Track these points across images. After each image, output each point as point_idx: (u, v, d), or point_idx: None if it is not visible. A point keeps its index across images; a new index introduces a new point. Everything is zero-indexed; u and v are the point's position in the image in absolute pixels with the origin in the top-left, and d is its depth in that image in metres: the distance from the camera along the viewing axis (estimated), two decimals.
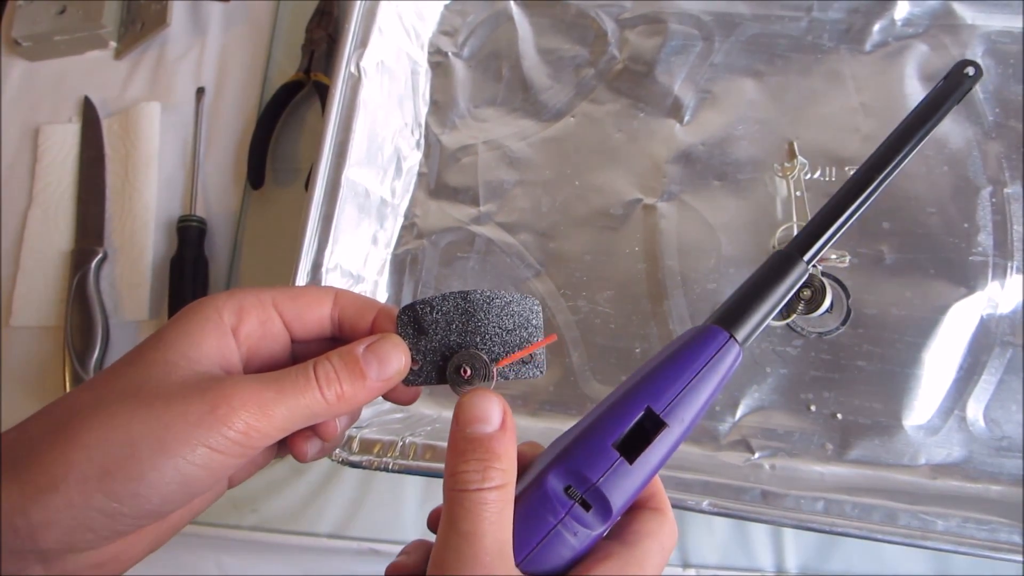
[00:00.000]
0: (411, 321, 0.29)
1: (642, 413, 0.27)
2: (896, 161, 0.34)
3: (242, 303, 0.29)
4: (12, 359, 0.57)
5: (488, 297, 0.29)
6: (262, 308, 0.29)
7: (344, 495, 0.51)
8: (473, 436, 0.27)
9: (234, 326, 0.29)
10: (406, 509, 0.51)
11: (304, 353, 0.31)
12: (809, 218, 0.49)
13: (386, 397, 0.31)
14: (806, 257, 0.32)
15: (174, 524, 0.30)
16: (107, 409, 0.25)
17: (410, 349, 0.29)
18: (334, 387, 0.27)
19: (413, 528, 0.50)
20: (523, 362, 0.30)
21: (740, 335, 0.29)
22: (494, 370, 0.29)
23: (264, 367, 0.30)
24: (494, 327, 0.29)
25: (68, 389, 0.54)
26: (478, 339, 0.29)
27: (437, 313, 0.29)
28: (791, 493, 0.41)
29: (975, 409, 0.46)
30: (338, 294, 0.31)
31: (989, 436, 0.46)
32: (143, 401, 0.25)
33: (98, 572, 0.27)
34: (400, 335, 0.29)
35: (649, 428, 0.27)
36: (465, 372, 0.29)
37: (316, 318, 0.30)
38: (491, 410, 0.28)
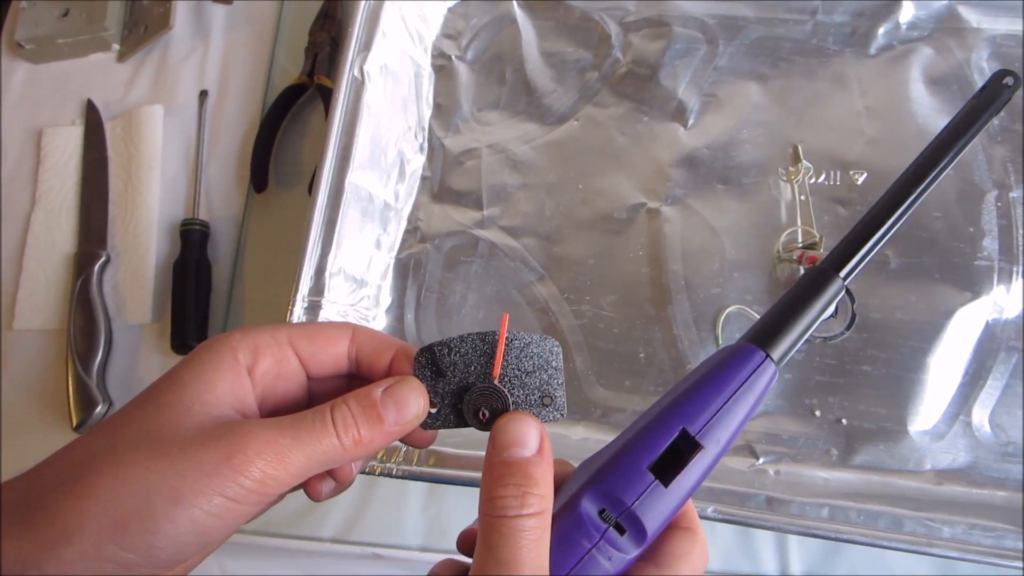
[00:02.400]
0: (429, 363, 0.29)
1: (677, 434, 0.27)
2: (933, 175, 0.33)
3: (257, 342, 0.28)
4: (15, 362, 0.57)
5: (507, 339, 0.28)
6: (278, 347, 0.29)
7: (347, 500, 0.51)
8: (511, 461, 0.27)
9: (249, 366, 0.28)
10: (409, 514, 0.51)
11: (320, 391, 0.30)
12: (814, 222, 0.50)
13: (403, 440, 0.30)
14: (842, 273, 0.31)
15: (186, 568, 0.29)
16: (121, 457, 0.25)
17: (428, 391, 0.29)
18: (351, 433, 0.27)
19: (416, 533, 0.50)
20: (543, 404, 0.29)
21: (776, 354, 0.29)
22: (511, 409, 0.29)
23: (280, 406, 0.29)
24: (513, 368, 0.29)
25: (71, 393, 0.54)
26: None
27: (455, 355, 0.29)
28: (796, 499, 0.41)
29: (980, 414, 0.46)
30: (355, 331, 0.30)
31: (995, 442, 0.46)
32: (158, 449, 0.25)
33: None
34: (418, 376, 0.29)
35: (684, 449, 0.27)
36: (483, 415, 0.29)
37: (333, 356, 0.30)
38: (529, 434, 0.27)
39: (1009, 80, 0.35)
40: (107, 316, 0.57)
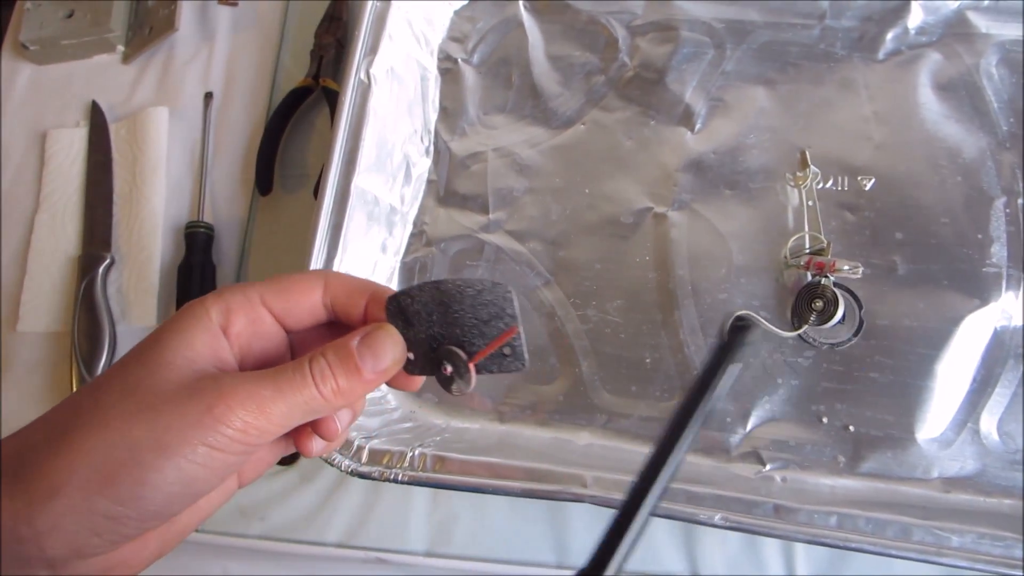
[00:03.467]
0: (398, 312, 0.29)
1: None
2: (682, 448, 0.30)
3: (229, 303, 0.29)
4: (19, 365, 0.57)
5: (459, 287, 0.28)
6: (250, 307, 0.29)
7: (352, 504, 0.51)
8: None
9: (223, 325, 0.29)
10: (414, 519, 0.50)
11: (301, 342, 0.31)
12: (821, 228, 0.49)
13: (391, 385, 0.30)
14: None
15: (181, 529, 0.30)
16: (107, 413, 0.26)
17: (404, 338, 0.29)
18: (330, 383, 0.27)
19: (420, 538, 0.50)
20: (503, 355, 0.29)
21: None
22: (471, 367, 0.29)
23: (261, 362, 0.30)
24: (469, 318, 0.28)
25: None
26: (457, 331, 0.29)
27: (417, 304, 0.29)
28: (804, 508, 0.41)
29: (989, 422, 0.46)
30: (328, 280, 0.30)
31: (1003, 450, 0.46)
32: (142, 403, 0.26)
33: None
34: (391, 323, 0.29)
35: None
36: (446, 369, 0.29)
37: (307, 308, 0.30)
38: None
39: (742, 323, 0.33)
40: (111, 319, 0.56)
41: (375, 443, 0.45)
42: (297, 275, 0.30)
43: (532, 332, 0.51)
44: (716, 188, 0.52)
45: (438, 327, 0.29)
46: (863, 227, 0.50)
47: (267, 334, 0.30)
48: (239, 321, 0.29)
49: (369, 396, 0.49)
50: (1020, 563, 0.38)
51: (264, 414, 0.26)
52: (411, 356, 0.29)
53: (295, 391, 0.27)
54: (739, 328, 0.32)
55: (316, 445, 0.30)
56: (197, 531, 0.52)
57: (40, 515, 0.24)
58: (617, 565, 0.27)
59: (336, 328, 0.31)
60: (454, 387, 0.29)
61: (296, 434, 0.30)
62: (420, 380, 0.31)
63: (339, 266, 0.48)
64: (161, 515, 0.27)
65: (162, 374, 0.26)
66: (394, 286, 0.53)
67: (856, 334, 0.48)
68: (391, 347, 0.29)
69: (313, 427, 0.30)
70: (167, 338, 0.28)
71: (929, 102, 0.52)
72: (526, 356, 0.29)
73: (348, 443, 0.45)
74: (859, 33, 0.54)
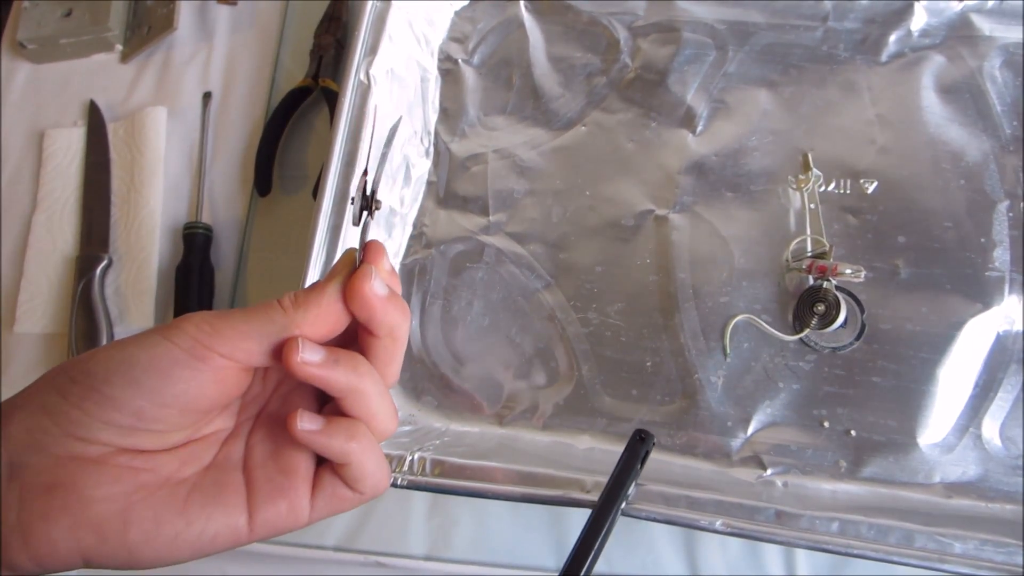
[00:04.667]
0: None
1: None
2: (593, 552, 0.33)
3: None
4: (15, 366, 0.57)
5: None
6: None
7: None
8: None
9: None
10: (413, 523, 0.50)
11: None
12: (823, 231, 0.49)
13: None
14: None
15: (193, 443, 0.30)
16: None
17: None
18: (288, 296, 0.29)
19: (420, 542, 0.50)
20: None
21: None
22: None
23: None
24: None
25: None
26: None
27: None
28: (806, 514, 0.41)
29: (991, 427, 0.46)
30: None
31: (1005, 455, 0.45)
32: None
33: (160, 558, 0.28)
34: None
35: None
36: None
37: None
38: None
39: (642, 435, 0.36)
40: (109, 320, 0.56)
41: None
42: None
43: (532, 335, 0.51)
44: (718, 191, 0.52)
45: None
46: (865, 230, 0.50)
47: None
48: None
49: None
50: (1022, 570, 0.38)
51: (222, 316, 0.28)
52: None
53: (257, 308, 0.28)
54: (639, 441, 0.34)
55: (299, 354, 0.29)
56: None
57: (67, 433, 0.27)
58: None
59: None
60: None
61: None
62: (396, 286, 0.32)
63: None
64: (163, 433, 0.28)
65: None
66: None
67: (858, 338, 0.48)
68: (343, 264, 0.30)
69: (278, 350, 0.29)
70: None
71: (932, 105, 0.52)
72: None
73: None
74: (862, 35, 0.54)
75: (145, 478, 0.28)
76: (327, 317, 0.29)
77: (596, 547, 0.31)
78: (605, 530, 0.31)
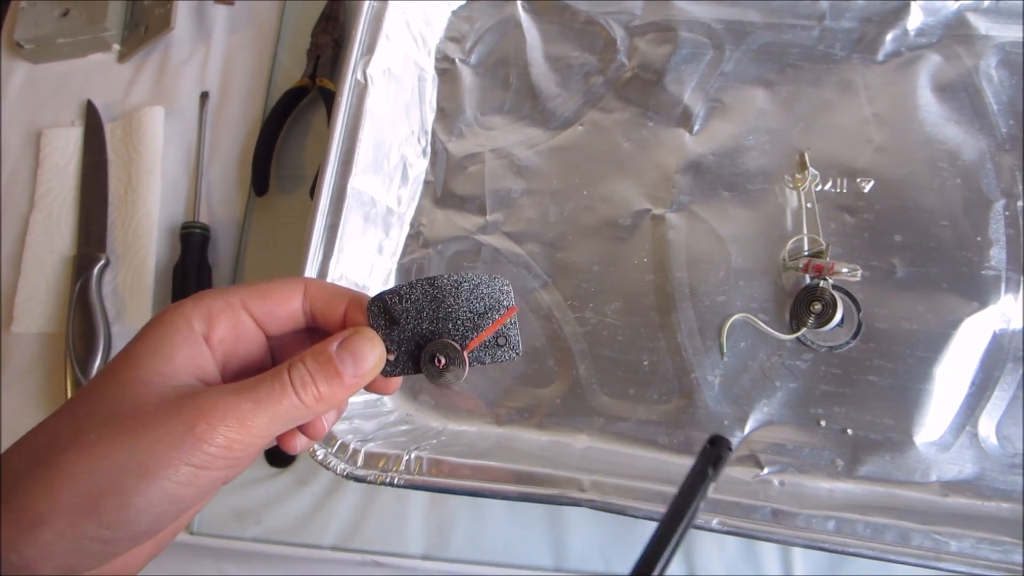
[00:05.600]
0: (382, 312, 0.29)
1: None
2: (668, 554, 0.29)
3: (211, 309, 0.28)
4: (13, 366, 0.57)
5: (456, 282, 0.29)
6: (231, 312, 0.29)
7: (348, 507, 0.51)
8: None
9: (205, 333, 0.28)
10: (410, 522, 0.50)
11: (281, 347, 0.31)
12: (820, 230, 0.49)
13: (367, 388, 0.31)
14: None
15: (176, 528, 0.30)
16: (87, 437, 0.25)
17: (384, 340, 0.29)
18: (311, 390, 0.27)
19: (417, 541, 0.50)
20: (497, 345, 0.30)
21: None
22: (466, 356, 0.29)
23: (243, 368, 0.30)
24: (464, 311, 0.29)
25: (70, 396, 0.54)
26: (450, 325, 0.29)
27: (406, 302, 0.29)
28: (803, 512, 0.41)
29: (987, 426, 0.46)
30: (308, 286, 0.30)
31: (1001, 453, 0.45)
32: (121, 425, 0.25)
33: None
34: (372, 327, 0.29)
35: None
36: (440, 362, 0.29)
37: (287, 313, 0.30)
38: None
39: (721, 443, 0.33)
40: (106, 320, 0.56)
41: (371, 446, 0.45)
42: (277, 280, 0.30)
43: (529, 334, 0.51)
44: (715, 190, 0.52)
45: (428, 323, 0.29)
46: (862, 229, 0.50)
47: (249, 339, 0.30)
48: (221, 327, 0.28)
49: (364, 399, 0.49)
50: (1019, 568, 0.38)
51: (246, 428, 0.26)
52: (391, 357, 0.30)
53: (276, 401, 0.26)
54: (716, 447, 0.32)
55: (300, 442, 0.30)
56: (194, 534, 0.52)
57: (28, 544, 0.24)
58: None
59: (315, 334, 0.31)
60: (446, 377, 0.29)
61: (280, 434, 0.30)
62: (398, 383, 0.31)
63: (335, 267, 0.48)
64: (149, 533, 0.26)
65: (141, 393, 0.26)
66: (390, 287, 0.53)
67: (855, 337, 0.48)
68: (371, 350, 0.28)
69: (299, 427, 0.30)
70: (144, 354, 0.27)
71: (929, 104, 0.52)
72: (520, 345, 0.30)
73: (344, 446, 0.45)
74: (859, 34, 0.54)
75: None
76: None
77: (664, 560, 0.30)
78: (675, 542, 0.29)
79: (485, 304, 0.29)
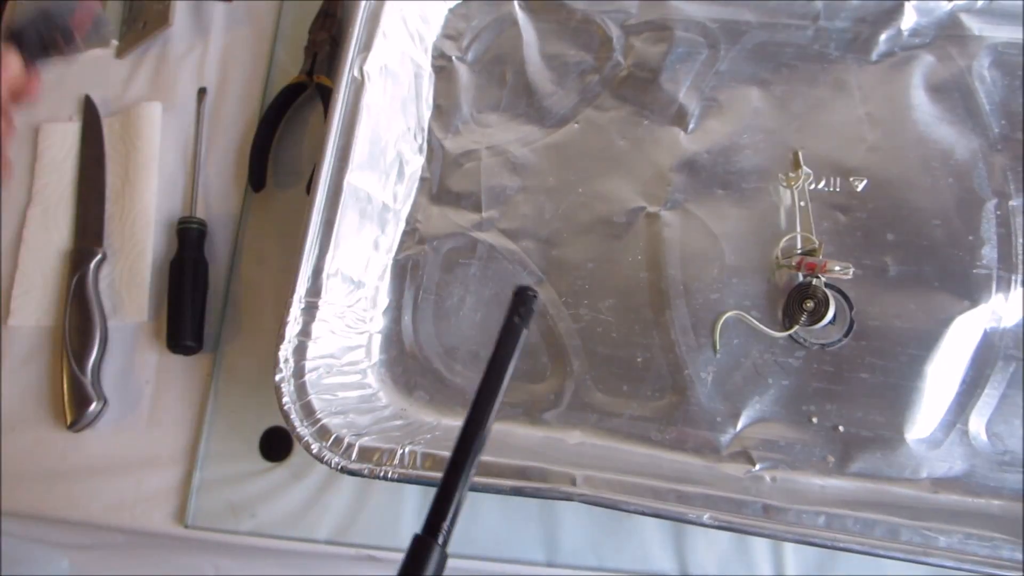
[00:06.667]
0: (9, 35, 0.46)
1: None
2: (493, 408, 0.33)
3: None
4: (10, 359, 0.57)
5: None
6: None
7: (342, 501, 0.51)
8: None
9: None
10: (404, 516, 0.50)
11: None
12: (813, 228, 0.50)
13: (15, 101, 0.43)
14: (440, 540, 0.32)
15: None
16: None
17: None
18: None
19: (411, 535, 0.50)
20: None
21: None
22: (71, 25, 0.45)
23: None
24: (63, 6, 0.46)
25: (66, 390, 0.54)
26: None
27: (21, 16, 0.46)
28: (793, 507, 0.41)
29: (977, 423, 0.46)
30: None
31: (991, 450, 0.46)
32: None
33: None
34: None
35: None
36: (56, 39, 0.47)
37: None
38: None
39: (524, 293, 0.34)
40: (102, 314, 0.56)
41: (365, 440, 0.45)
42: None
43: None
44: (709, 188, 0.52)
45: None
46: (855, 228, 0.50)
47: None
48: None
49: (359, 393, 0.49)
50: (1007, 563, 0.39)
51: None
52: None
53: None
54: (520, 297, 0.33)
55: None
56: (188, 527, 0.52)
57: None
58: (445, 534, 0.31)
59: None
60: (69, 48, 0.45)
61: None
62: (39, 83, 0.47)
63: (331, 262, 0.48)
64: None
65: None
66: (386, 285, 0.53)
67: (847, 335, 0.48)
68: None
69: None
70: None
71: (922, 104, 0.52)
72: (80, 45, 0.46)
73: (338, 441, 0.45)
74: (853, 34, 0.54)
75: None
76: None
77: (492, 410, 0.32)
78: (499, 394, 0.32)
79: None
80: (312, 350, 0.47)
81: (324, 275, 0.48)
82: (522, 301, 0.34)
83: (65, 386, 0.54)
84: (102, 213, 0.60)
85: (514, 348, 0.33)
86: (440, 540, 0.31)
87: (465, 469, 0.32)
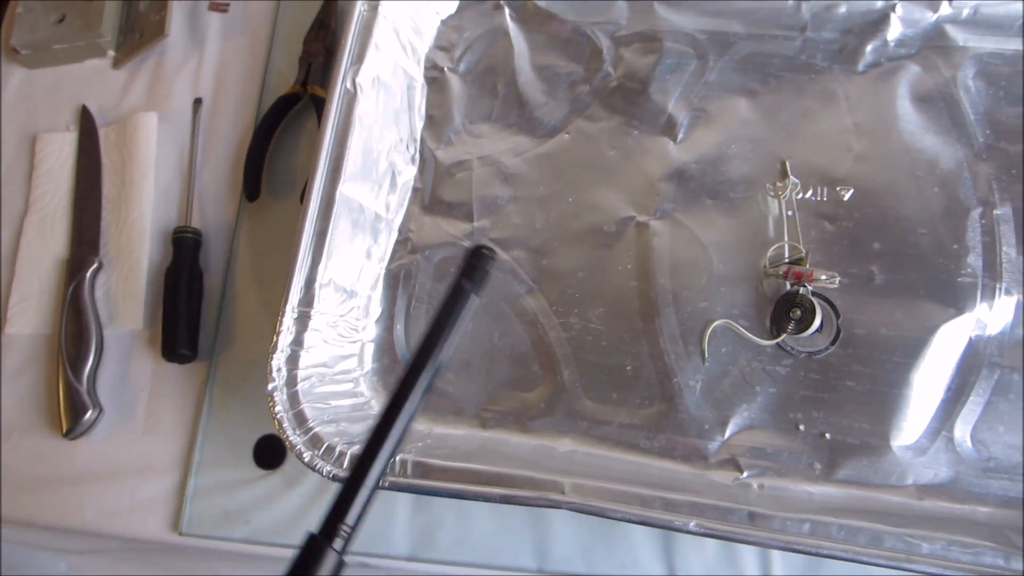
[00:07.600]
0: None
1: None
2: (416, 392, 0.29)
3: None
4: (6, 367, 0.57)
5: None
6: None
7: None
8: None
9: None
10: (397, 523, 0.51)
11: None
12: (800, 238, 0.50)
13: None
14: (337, 544, 0.28)
15: None
16: None
17: None
18: None
19: (403, 542, 0.51)
20: None
21: None
22: None
23: None
24: None
25: (62, 398, 0.55)
26: None
27: None
28: (778, 515, 0.42)
29: (963, 430, 0.47)
30: None
31: (976, 457, 0.46)
32: None
33: None
34: None
35: None
36: None
37: None
38: None
39: (486, 251, 0.31)
40: (98, 322, 0.57)
41: (357, 449, 0.46)
42: None
43: (515, 339, 0.51)
44: (698, 198, 0.53)
45: None
46: (842, 237, 0.50)
47: None
48: None
49: (352, 402, 0.50)
50: (988, 570, 0.39)
51: None
52: None
53: None
54: (477, 257, 0.29)
55: None
56: (183, 535, 0.52)
57: None
58: (357, 513, 0.27)
59: None
60: None
61: None
62: None
63: (324, 272, 0.49)
64: None
65: None
66: (379, 294, 0.54)
67: (833, 343, 0.49)
68: None
69: None
70: None
71: (908, 114, 0.53)
72: None
73: (330, 449, 0.45)
74: (839, 45, 0.55)
75: None
76: None
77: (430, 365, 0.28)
78: (436, 355, 0.28)
79: None
80: (305, 359, 0.47)
81: (317, 284, 0.48)
82: (475, 263, 0.28)
83: (61, 394, 0.55)
84: (98, 222, 0.60)
85: (456, 316, 0.28)
86: (337, 544, 0.27)
87: (375, 460, 0.27)
